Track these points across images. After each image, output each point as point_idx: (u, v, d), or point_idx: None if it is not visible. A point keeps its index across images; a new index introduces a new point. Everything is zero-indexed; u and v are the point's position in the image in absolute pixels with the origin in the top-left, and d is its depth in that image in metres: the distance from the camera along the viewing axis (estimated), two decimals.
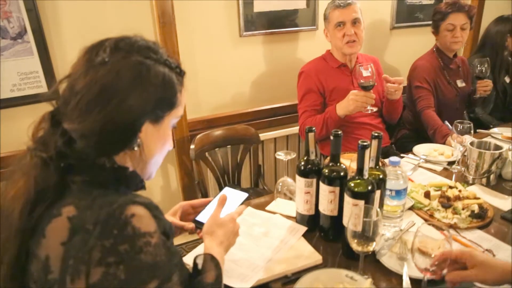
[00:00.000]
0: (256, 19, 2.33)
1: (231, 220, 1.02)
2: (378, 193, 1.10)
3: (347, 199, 1.08)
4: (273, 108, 2.54)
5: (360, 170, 1.05)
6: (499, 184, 1.58)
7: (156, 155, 0.84)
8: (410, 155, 1.88)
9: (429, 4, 2.98)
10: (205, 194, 2.14)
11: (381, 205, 1.16)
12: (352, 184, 1.06)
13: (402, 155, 1.90)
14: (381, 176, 1.13)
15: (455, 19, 2.19)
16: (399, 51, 2.99)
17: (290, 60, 2.54)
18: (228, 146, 2.22)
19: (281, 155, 1.39)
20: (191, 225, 1.09)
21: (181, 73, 0.85)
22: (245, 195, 1.15)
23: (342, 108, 1.88)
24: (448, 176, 1.68)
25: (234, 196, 1.14)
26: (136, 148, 0.77)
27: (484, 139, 1.67)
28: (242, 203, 1.13)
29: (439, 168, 1.74)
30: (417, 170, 1.74)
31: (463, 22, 2.18)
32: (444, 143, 2.01)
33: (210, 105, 2.37)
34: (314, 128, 1.18)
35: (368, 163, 1.04)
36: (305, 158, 1.22)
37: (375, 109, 1.86)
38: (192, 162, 2.21)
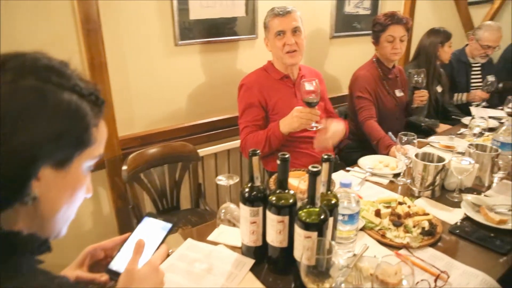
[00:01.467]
0: (193, 27, 2.18)
1: (153, 270, 0.82)
2: (331, 220, 1.00)
3: (298, 230, 0.97)
4: (213, 121, 2.40)
5: (311, 199, 0.94)
6: (443, 195, 1.58)
7: (62, 208, 0.65)
8: (356, 168, 1.84)
9: (366, 14, 3.02)
10: (141, 220, 1.93)
11: (333, 233, 1.06)
12: (303, 214, 0.95)
13: (348, 168, 1.85)
14: (333, 201, 1.04)
15: (394, 31, 2.22)
16: (339, 60, 2.99)
17: (230, 70, 2.42)
18: (165, 165, 2.04)
19: (223, 180, 1.25)
20: (104, 276, 0.88)
21: (97, 102, 0.66)
22: (169, 226, 0.95)
23: (286, 125, 1.79)
24: (395, 189, 1.65)
25: (156, 228, 0.94)
26: (29, 202, 0.59)
27: (427, 151, 1.66)
28: (166, 236, 0.92)
29: (385, 181, 1.71)
30: (364, 184, 1.69)
31: (402, 34, 2.22)
32: (387, 154, 2.00)
33: (144, 121, 2.17)
34: (258, 151, 1.06)
35: (320, 190, 0.94)
36: (249, 185, 1.09)
37: (320, 126, 1.79)
38: (126, 184, 2.00)
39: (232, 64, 2.43)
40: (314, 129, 1.77)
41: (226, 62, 2.39)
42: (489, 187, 1.65)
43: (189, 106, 2.32)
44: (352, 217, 1.11)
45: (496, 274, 1.12)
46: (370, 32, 2.40)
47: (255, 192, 1.09)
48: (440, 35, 2.80)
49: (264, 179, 1.99)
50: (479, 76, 3.24)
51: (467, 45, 3.21)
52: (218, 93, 2.40)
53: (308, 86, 1.65)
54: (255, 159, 1.06)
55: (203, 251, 1.21)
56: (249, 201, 1.09)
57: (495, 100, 3.07)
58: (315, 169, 0.92)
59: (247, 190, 1.09)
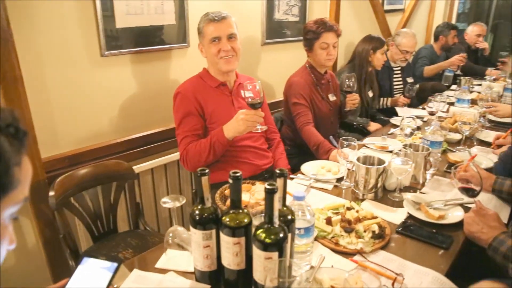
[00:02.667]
0: (120, 36, 2.03)
1: None
2: (289, 237, 0.96)
3: (258, 252, 0.91)
4: (147, 135, 2.26)
5: (269, 217, 0.90)
6: (385, 196, 1.63)
7: None
8: (299, 175, 1.84)
9: (295, 21, 3.08)
10: (74, 249, 1.74)
11: (292, 250, 1.03)
12: (262, 235, 0.90)
13: (291, 176, 1.84)
14: (289, 217, 1.00)
15: (327, 38, 2.28)
16: (271, 66, 3.01)
17: (163, 81, 2.30)
18: (98, 186, 1.87)
19: (168, 202, 1.16)
20: None
21: (18, 135, 0.54)
22: (114, 265, 0.83)
23: (231, 129, 1.74)
24: (339, 194, 1.67)
25: (98, 270, 0.82)
26: None
27: (367, 154, 1.71)
28: (112, 278, 0.81)
29: (329, 186, 1.73)
30: (310, 191, 1.69)
31: (334, 40, 2.29)
32: (327, 159, 2.04)
33: (70, 139, 1.98)
34: (207, 171, 0.99)
35: (277, 208, 0.90)
36: (199, 207, 1.02)
37: (264, 128, 1.77)
38: (54, 212, 1.79)
39: (165, 74, 2.31)
40: (259, 130, 1.75)
41: (158, 72, 2.27)
42: (423, 184, 1.75)
43: (120, 120, 2.16)
44: (308, 230, 1.08)
45: (443, 269, 1.18)
46: (300, 38, 2.44)
47: (206, 214, 1.02)
48: (373, 42, 2.95)
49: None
50: (400, 78, 3.48)
51: (387, 50, 3.42)
52: (152, 105, 2.27)
53: (251, 88, 1.63)
54: (204, 179, 1.00)
55: (153, 282, 1.10)
56: (201, 224, 1.02)
57: (414, 100, 3.31)
58: (271, 187, 0.87)
59: (197, 212, 1.02)
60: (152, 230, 2.00)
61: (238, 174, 0.95)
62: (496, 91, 3.02)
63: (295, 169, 2.02)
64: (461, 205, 1.50)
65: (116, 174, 1.91)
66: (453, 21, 5.63)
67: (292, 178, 1.82)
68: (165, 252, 1.24)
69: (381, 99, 3.31)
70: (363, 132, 2.77)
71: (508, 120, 2.55)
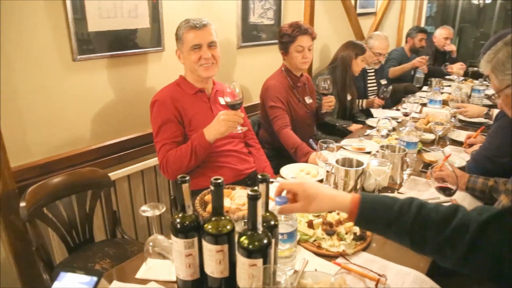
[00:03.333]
0: (93, 39, 1.98)
1: None
2: (272, 242, 0.96)
3: (242, 259, 0.90)
4: (123, 141, 2.20)
5: (253, 224, 0.89)
6: None
7: None
8: (279, 179, 1.84)
9: (270, 24, 3.09)
10: (48, 262, 1.68)
11: (276, 255, 1.02)
12: (246, 241, 0.89)
13: (271, 180, 1.84)
14: (272, 222, 1.00)
15: (303, 41, 2.29)
16: (247, 69, 3.01)
17: (138, 86, 2.26)
18: (73, 195, 1.81)
19: (148, 211, 1.13)
20: None
21: None
22: (93, 280, 0.80)
23: (212, 131, 1.72)
24: None
25: (77, 286, 0.79)
26: None
27: (346, 155, 1.72)
28: None
29: None
30: None
31: (310, 43, 2.31)
32: (306, 161, 2.04)
33: (42, 147, 1.90)
34: (188, 178, 0.97)
35: (260, 214, 0.89)
36: (180, 215, 1.00)
37: (245, 129, 1.78)
38: (26, 223, 1.72)
39: (140, 79, 2.27)
40: (240, 131, 1.75)
41: (133, 77, 2.22)
42: (400, 184, 1.78)
43: (95, 126, 2.10)
44: (291, 235, 1.08)
45: (424, 268, 1.20)
46: (275, 41, 2.44)
47: (187, 222, 0.99)
48: (356, 49, 3.00)
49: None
50: (374, 80, 3.55)
51: None
52: (127, 110, 2.22)
53: (230, 89, 1.63)
54: (185, 187, 0.97)
55: None
56: (182, 232, 0.99)
57: (388, 102, 3.38)
58: (254, 193, 0.86)
59: (178, 220, 1.00)
60: (130, 238, 1.95)
61: (219, 181, 0.93)
62: (465, 91, 3.13)
63: (274, 173, 2.02)
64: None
65: (91, 182, 1.85)
66: (422, 24, 5.81)
67: (271, 182, 1.81)
68: (145, 262, 1.21)
69: (357, 101, 3.36)
70: (341, 134, 2.80)
71: (477, 120, 2.64)
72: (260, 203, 0.87)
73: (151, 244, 1.18)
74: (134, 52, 2.18)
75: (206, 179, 0.94)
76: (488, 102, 3.09)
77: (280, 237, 1.06)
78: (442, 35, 4.64)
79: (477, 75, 3.91)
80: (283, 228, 1.06)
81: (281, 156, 2.35)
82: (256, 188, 0.89)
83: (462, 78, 3.99)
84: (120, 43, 2.11)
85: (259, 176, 0.96)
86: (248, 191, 0.87)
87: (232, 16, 2.77)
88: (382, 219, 0.96)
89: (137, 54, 2.20)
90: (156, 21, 2.24)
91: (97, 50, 2.01)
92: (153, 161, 2.29)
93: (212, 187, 0.94)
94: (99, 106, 2.10)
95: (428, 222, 0.92)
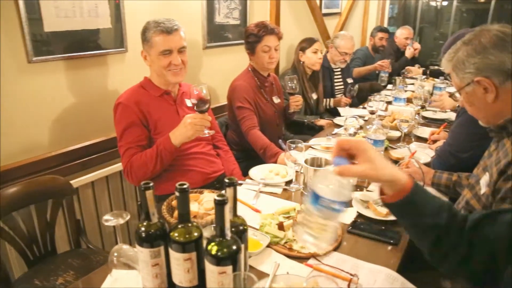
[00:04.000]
0: (50, 40, 1.88)
1: None
2: (242, 248, 0.93)
3: (210, 267, 0.87)
4: (85, 146, 2.11)
5: (221, 230, 0.86)
6: None
7: None
8: (248, 181, 1.81)
9: (236, 24, 3.06)
10: (5, 278, 1.58)
11: (246, 261, 0.99)
12: (214, 248, 0.86)
13: (240, 181, 1.81)
14: (241, 227, 0.97)
15: (269, 41, 2.28)
16: (214, 70, 2.97)
17: (100, 88, 2.17)
18: (31, 205, 1.71)
19: (111, 220, 1.07)
20: None
21: None
22: None
23: (178, 136, 1.68)
24: (289, 197, 1.67)
25: None
26: None
27: (314, 155, 1.72)
28: None
29: (279, 190, 1.72)
30: (260, 196, 1.67)
31: (276, 43, 2.30)
32: (275, 162, 2.03)
33: None
34: (151, 184, 0.93)
35: (228, 220, 0.86)
36: (144, 223, 0.95)
37: (212, 132, 1.75)
38: None
39: (102, 81, 2.18)
40: (207, 135, 1.72)
41: (94, 79, 2.13)
42: (369, 182, 1.79)
43: (55, 131, 2.00)
44: (342, 204, 0.95)
45: (394, 265, 1.21)
46: (241, 41, 2.42)
47: (153, 231, 0.95)
48: (301, 43, 3.02)
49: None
50: (341, 79, 3.59)
51: (327, 52, 3.51)
52: (89, 114, 2.13)
53: (197, 91, 1.59)
54: (149, 193, 0.93)
55: None
56: (147, 241, 0.95)
57: (354, 100, 3.44)
58: (221, 198, 0.83)
59: (143, 229, 0.95)
60: (95, 248, 1.86)
61: (185, 186, 0.89)
62: (427, 89, 3.22)
63: (243, 174, 1.99)
64: None
65: (51, 190, 1.76)
66: (385, 24, 5.96)
67: (240, 184, 1.79)
68: (110, 274, 1.15)
69: (324, 100, 3.39)
70: (310, 133, 2.81)
71: (439, 116, 2.72)
72: (227, 208, 0.84)
73: (115, 254, 1.13)
74: (95, 53, 2.09)
75: (174, 183, 0.90)
76: None
77: (331, 204, 0.84)
78: (403, 35, 4.76)
79: (437, 74, 4.05)
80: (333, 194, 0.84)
81: (249, 157, 2.33)
82: (223, 192, 0.85)
83: (424, 76, 4.12)
84: (80, 43, 2.01)
85: (226, 180, 0.93)
86: (215, 196, 0.84)
87: (197, 16, 2.72)
88: (426, 210, 0.92)
89: (99, 55, 2.11)
90: (118, 21, 2.16)
91: (55, 51, 1.91)
92: (118, 166, 2.21)
93: (177, 193, 0.90)
94: (58, 110, 2.00)
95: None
